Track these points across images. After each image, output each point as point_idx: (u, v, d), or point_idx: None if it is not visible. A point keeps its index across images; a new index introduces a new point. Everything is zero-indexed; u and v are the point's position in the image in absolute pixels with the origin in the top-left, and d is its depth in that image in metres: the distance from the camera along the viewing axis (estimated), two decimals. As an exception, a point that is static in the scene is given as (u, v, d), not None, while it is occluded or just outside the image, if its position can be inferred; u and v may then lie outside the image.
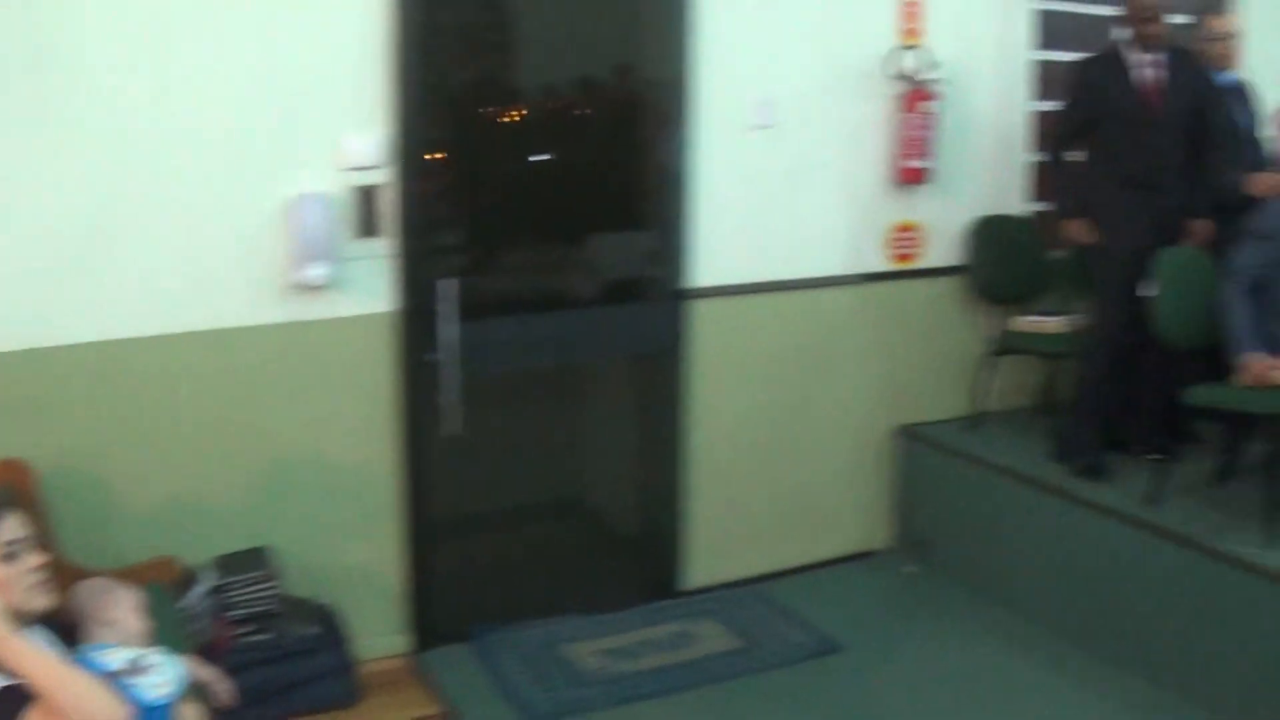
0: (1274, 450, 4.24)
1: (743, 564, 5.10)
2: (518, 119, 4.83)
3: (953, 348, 5.42)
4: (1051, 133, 5.10)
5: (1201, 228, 4.76)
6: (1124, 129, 4.73)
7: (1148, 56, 4.72)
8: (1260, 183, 4.85)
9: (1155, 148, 4.72)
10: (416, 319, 4.25)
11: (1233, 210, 4.77)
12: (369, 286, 4.14)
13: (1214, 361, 4.47)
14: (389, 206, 4.13)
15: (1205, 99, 4.84)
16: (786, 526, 5.20)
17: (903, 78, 5.03)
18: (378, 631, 4.32)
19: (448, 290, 4.24)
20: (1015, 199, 5.53)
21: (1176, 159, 4.75)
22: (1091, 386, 4.89)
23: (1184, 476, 4.63)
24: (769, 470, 5.11)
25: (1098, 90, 4.76)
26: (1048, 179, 5.23)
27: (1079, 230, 4.85)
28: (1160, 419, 4.84)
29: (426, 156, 4.30)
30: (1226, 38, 5.15)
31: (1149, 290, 4.52)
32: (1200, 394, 4.43)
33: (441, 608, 4.50)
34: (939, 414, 5.41)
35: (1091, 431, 4.88)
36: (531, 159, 4.89)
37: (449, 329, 4.26)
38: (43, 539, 2.98)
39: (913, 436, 5.36)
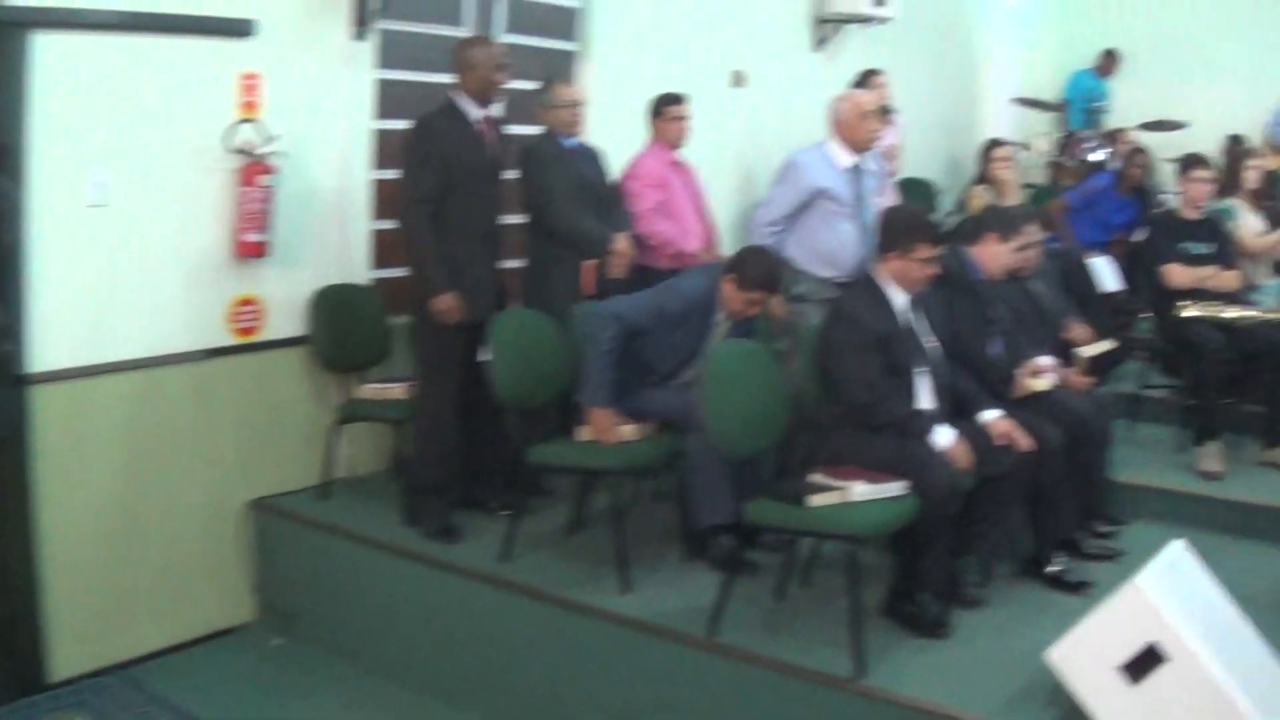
0: (617, 503, 4.60)
1: (112, 650, 4.88)
2: None
3: (302, 418, 5.45)
4: (410, 198, 4.81)
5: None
6: (471, 183, 4.85)
7: (481, 112, 4.94)
8: (619, 243, 5.35)
9: (495, 201, 4.98)
10: None
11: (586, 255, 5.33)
12: None
13: (568, 415, 4.75)
14: None
15: (519, 157, 5.21)
16: (152, 608, 5.01)
17: (241, 151, 4.99)
18: None
19: None
20: (357, 268, 5.63)
21: (504, 215, 5.04)
22: (433, 450, 5.00)
23: (538, 530, 4.93)
24: (129, 553, 4.91)
25: (445, 143, 4.81)
26: (410, 248, 4.94)
27: (452, 305, 4.79)
28: (509, 475, 5.04)
29: None
30: (573, 104, 5.57)
31: (485, 355, 4.73)
32: (541, 452, 4.68)
33: None
34: (293, 484, 5.41)
35: (439, 494, 5.02)
36: None
37: None
38: None
39: (265, 509, 5.32)
